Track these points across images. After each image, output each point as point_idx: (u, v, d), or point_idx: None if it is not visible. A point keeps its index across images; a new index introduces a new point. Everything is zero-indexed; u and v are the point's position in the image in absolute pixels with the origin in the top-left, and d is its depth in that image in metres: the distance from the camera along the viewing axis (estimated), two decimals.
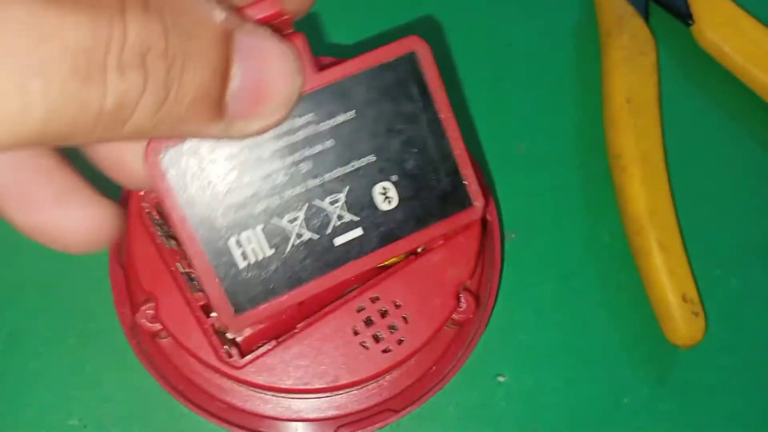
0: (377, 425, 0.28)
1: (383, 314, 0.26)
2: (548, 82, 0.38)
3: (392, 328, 0.26)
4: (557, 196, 0.36)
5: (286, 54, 0.19)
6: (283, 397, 0.27)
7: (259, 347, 0.25)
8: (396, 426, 0.31)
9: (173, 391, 0.28)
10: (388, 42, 0.23)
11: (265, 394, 0.27)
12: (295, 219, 0.23)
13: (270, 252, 0.23)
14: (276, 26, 0.20)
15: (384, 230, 0.23)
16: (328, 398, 0.27)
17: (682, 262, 0.34)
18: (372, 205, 0.23)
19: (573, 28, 0.39)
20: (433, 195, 0.24)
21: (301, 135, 0.22)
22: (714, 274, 0.35)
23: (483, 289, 0.29)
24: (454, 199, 0.24)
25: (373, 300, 0.26)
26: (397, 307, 0.26)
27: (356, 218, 0.23)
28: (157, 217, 0.27)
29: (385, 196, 0.23)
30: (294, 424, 0.28)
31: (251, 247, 0.23)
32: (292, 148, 0.22)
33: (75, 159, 0.20)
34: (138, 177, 0.21)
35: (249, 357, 0.25)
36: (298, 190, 0.23)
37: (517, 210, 0.35)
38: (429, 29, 0.38)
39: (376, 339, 0.26)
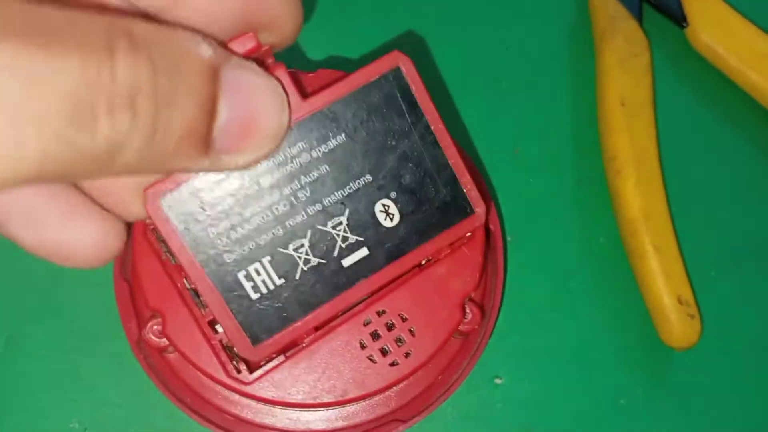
0: None
1: (390, 327, 0.26)
2: (543, 85, 0.38)
3: (399, 341, 0.26)
4: (553, 199, 0.36)
5: (272, 88, 0.19)
6: (291, 410, 0.27)
7: (268, 362, 0.25)
8: None
9: (181, 404, 0.28)
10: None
11: (274, 407, 0.27)
12: (301, 246, 0.23)
13: (280, 281, 0.23)
14: (256, 58, 0.21)
15: (389, 247, 0.24)
16: (336, 410, 0.27)
17: (677, 264, 0.34)
18: (375, 223, 0.23)
19: (567, 31, 0.39)
20: (434, 206, 0.24)
21: (296, 164, 0.22)
22: (709, 276, 0.35)
23: (487, 299, 0.29)
24: (455, 208, 0.24)
25: (380, 313, 0.26)
26: (404, 320, 0.26)
27: (361, 238, 0.23)
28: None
29: (387, 213, 0.23)
30: None
31: (261, 279, 0.23)
32: (289, 177, 0.22)
33: None
34: (135, 211, 0.22)
35: (258, 372, 0.25)
36: (300, 218, 0.23)
37: (513, 213, 0.35)
38: (424, 33, 0.38)
39: (383, 352, 0.26)
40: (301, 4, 0.21)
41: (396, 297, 0.26)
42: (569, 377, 0.34)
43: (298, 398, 0.25)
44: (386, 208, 0.23)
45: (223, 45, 0.20)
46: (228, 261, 0.22)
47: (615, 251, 0.35)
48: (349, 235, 0.23)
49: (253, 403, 0.27)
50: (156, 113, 0.16)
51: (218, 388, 0.27)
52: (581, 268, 0.35)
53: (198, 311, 0.26)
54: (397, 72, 0.23)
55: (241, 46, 0.20)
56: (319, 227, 0.23)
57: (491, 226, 0.30)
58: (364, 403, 0.27)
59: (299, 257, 0.23)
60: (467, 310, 0.26)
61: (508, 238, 0.35)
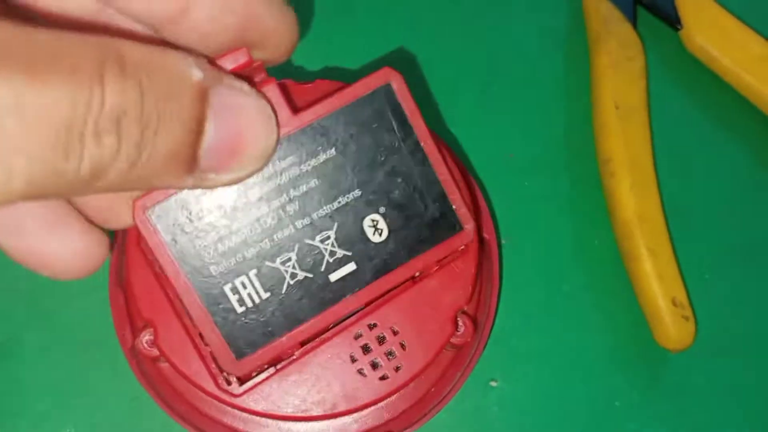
0: None
1: (381, 341, 0.25)
2: (537, 88, 0.37)
3: (390, 354, 0.25)
4: (547, 202, 0.36)
5: (261, 109, 0.19)
6: (282, 422, 0.26)
7: (258, 374, 0.25)
8: None
9: (173, 413, 0.27)
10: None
11: (264, 419, 0.26)
12: (288, 260, 0.23)
13: (266, 295, 0.23)
14: (248, 73, 0.21)
15: (377, 262, 0.23)
16: (326, 422, 0.26)
17: (672, 267, 0.33)
18: (363, 238, 0.23)
19: (561, 34, 0.38)
20: (423, 222, 0.24)
21: (285, 177, 0.22)
22: (703, 278, 0.35)
23: (481, 310, 0.28)
24: (444, 225, 0.24)
25: (371, 326, 0.25)
26: (395, 333, 0.25)
27: (348, 253, 0.23)
28: None
29: (375, 228, 0.23)
30: None
31: (247, 292, 0.23)
32: (278, 190, 0.22)
33: None
34: (124, 219, 0.22)
35: (247, 385, 0.25)
36: (288, 231, 0.23)
37: (507, 216, 0.35)
38: (418, 36, 0.38)
39: (374, 366, 0.25)
40: (297, 22, 0.21)
41: (387, 310, 0.25)
42: (564, 380, 0.34)
43: (287, 411, 0.25)
44: (375, 223, 0.23)
45: (215, 61, 0.20)
46: (214, 273, 0.22)
47: (609, 254, 0.35)
48: (336, 249, 0.23)
49: (243, 414, 0.26)
50: (142, 137, 0.16)
51: (208, 398, 0.26)
52: (576, 270, 0.35)
53: (190, 323, 0.25)
54: (387, 88, 0.23)
55: (233, 61, 0.20)
56: (307, 241, 0.23)
57: (486, 236, 0.30)
58: (355, 415, 0.26)
59: (286, 271, 0.23)
60: (460, 323, 0.26)
61: (503, 241, 0.35)
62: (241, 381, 0.25)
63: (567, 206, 0.36)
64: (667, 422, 0.33)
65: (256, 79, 0.21)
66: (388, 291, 0.24)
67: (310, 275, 0.23)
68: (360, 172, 0.23)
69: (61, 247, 0.21)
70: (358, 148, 0.23)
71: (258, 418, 0.26)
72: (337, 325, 0.25)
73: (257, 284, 0.23)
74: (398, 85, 0.23)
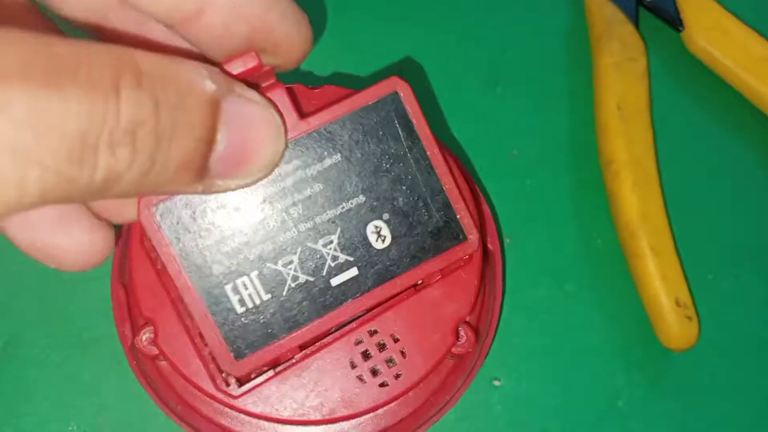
0: None
1: (381, 348, 0.25)
2: (539, 88, 0.37)
3: (390, 361, 0.25)
4: (550, 202, 0.36)
5: (270, 119, 0.20)
6: (280, 425, 0.26)
7: (257, 376, 0.25)
8: None
9: (171, 412, 0.27)
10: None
11: (262, 422, 0.26)
12: (290, 263, 0.23)
13: (267, 297, 0.23)
14: (256, 78, 0.21)
15: (379, 269, 0.23)
16: (324, 427, 0.26)
17: (675, 267, 0.33)
18: (365, 244, 0.23)
19: (563, 35, 0.38)
20: (426, 231, 0.24)
21: (290, 180, 0.22)
22: (706, 278, 0.35)
23: (483, 321, 0.28)
24: (447, 234, 0.24)
25: (372, 333, 0.25)
26: (396, 341, 0.25)
27: (350, 258, 0.23)
28: None
29: (378, 234, 0.23)
30: None
31: (248, 293, 0.22)
32: (282, 193, 0.22)
33: None
34: (128, 214, 0.22)
35: (246, 387, 0.25)
36: (291, 234, 0.23)
37: (510, 215, 0.35)
38: (422, 36, 0.38)
39: (374, 372, 0.25)
40: (312, 32, 0.21)
41: (389, 317, 0.25)
42: (567, 379, 0.33)
43: (285, 414, 0.25)
44: (378, 229, 0.23)
45: (226, 70, 0.20)
46: (216, 273, 0.22)
47: (612, 253, 0.35)
48: (339, 254, 0.23)
49: (241, 416, 0.26)
50: (156, 148, 0.16)
51: (206, 398, 0.26)
52: (579, 270, 0.35)
53: (190, 322, 0.25)
54: (395, 96, 0.23)
55: (243, 64, 0.20)
56: (310, 245, 0.23)
57: (490, 246, 0.30)
58: (353, 421, 0.26)
59: (288, 274, 0.23)
60: (461, 333, 0.26)
61: (506, 240, 0.35)
62: (240, 382, 0.25)
63: (569, 206, 0.36)
64: (670, 422, 0.33)
65: (265, 83, 0.21)
66: (390, 298, 0.24)
67: (312, 279, 0.23)
68: (365, 179, 0.23)
69: (68, 241, 0.21)
70: (363, 155, 0.23)
71: (255, 420, 0.26)
72: (337, 329, 0.25)
73: (258, 285, 0.23)
74: (405, 94, 0.23)
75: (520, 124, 0.37)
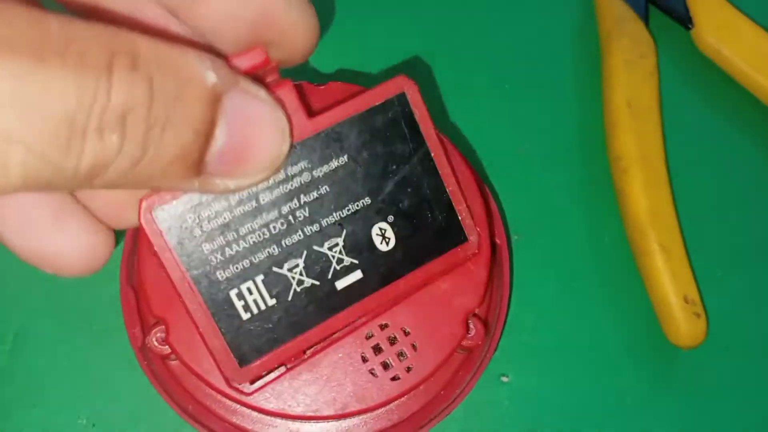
0: None
1: (392, 341, 0.25)
2: (549, 85, 0.37)
3: (401, 355, 0.25)
4: (558, 198, 0.35)
5: (275, 117, 0.19)
6: (291, 421, 0.26)
7: (269, 373, 0.24)
8: None
9: (182, 412, 0.27)
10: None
11: (274, 418, 0.26)
12: (296, 266, 0.22)
13: (272, 302, 0.22)
14: (263, 74, 0.20)
15: (384, 271, 0.23)
16: (336, 422, 0.26)
17: (684, 264, 0.33)
18: (370, 246, 0.23)
19: (573, 32, 0.38)
20: (429, 232, 0.23)
21: (296, 183, 0.22)
22: (715, 275, 0.34)
23: (492, 313, 0.28)
24: (449, 235, 0.24)
25: (382, 327, 0.25)
26: (406, 334, 0.25)
27: (356, 261, 0.23)
28: None
29: (383, 236, 0.23)
30: None
31: (253, 298, 0.22)
32: (288, 196, 0.22)
33: None
34: (129, 219, 0.21)
35: (258, 383, 0.24)
36: (297, 237, 0.22)
37: (518, 212, 0.35)
38: (431, 34, 0.38)
39: (385, 366, 0.25)
40: (317, 22, 0.21)
41: (399, 311, 0.25)
42: (575, 375, 0.33)
43: (298, 410, 0.25)
44: (383, 231, 0.23)
45: (232, 62, 0.19)
46: (220, 278, 0.22)
47: (621, 250, 0.35)
48: (344, 257, 0.23)
49: (253, 413, 0.26)
50: (146, 136, 0.15)
51: (219, 397, 0.26)
52: (587, 267, 0.35)
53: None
54: (401, 97, 0.23)
55: (249, 60, 0.19)
56: (315, 248, 0.22)
57: (497, 240, 0.30)
58: (365, 416, 0.26)
59: (293, 278, 0.22)
60: (471, 326, 0.26)
61: (514, 237, 0.35)
62: (252, 380, 0.25)
63: (578, 203, 0.36)
64: (678, 419, 0.33)
65: (271, 79, 0.21)
66: (394, 300, 0.24)
67: (317, 282, 0.23)
68: (371, 180, 0.23)
69: (66, 245, 0.20)
70: (370, 156, 0.22)
71: (268, 417, 0.26)
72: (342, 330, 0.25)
73: (263, 290, 0.22)
74: (412, 95, 0.23)
75: (528, 121, 0.37)
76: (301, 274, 0.22)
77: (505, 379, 0.33)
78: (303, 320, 0.22)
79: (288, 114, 0.19)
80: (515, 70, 0.37)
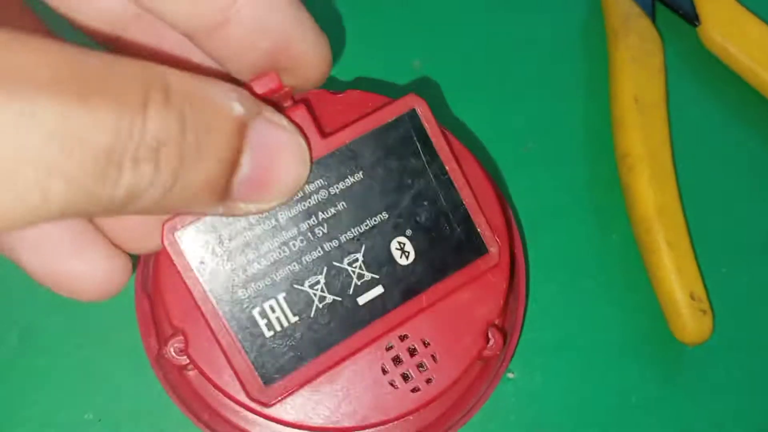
0: None
1: (412, 352, 0.24)
2: (556, 82, 0.37)
3: (421, 366, 0.25)
4: (565, 196, 0.35)
5: (296, 145, 0.19)
6: None
7: (294, 392, 0.24)
8: None
9: (199, 422, 0.27)
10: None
11: (294, 431, 0.25)
12: (317, 283, 0.22)
13: (294, 319, 0.22)
14: (277, 99, 0.21)
15: (405, 285, 0.23)
16: None
17: (690, 260, 0.33)
18: (390, 261, 0.23)
19: (580, 28, 0.38)
20: (449, 245, 0.24)
21: (313, 200, 0.22)
22: (722, 272, 0.34)
23: (508, 323, 0.28)
24: (469, 247, 0.24)
25: (402, 338, 0.24)
26: (426, 345, 0.25)
27: (376, 276, 0.23)
28: None
29: (402, 251, 0.23)
30: None
31: (275, 316, 0.22)
32: (306, 213, 0.22)
33: None
34: (150, 245, 0.21)
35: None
36: (317, 254, 0.22)
37: (524, 209, 0.35)
38: (439, 31, 0.38)
39: (405, 378, 0.25)
40: (330, 50, 0.21)
41: (419, 322, 0.24)
42: (581, 372, 0.33)
43: (318, 422, 0.24)
44: (402, 245, 0.23)
45: (255, 91, 0.20)
46: (242, 297, 0.22)
47: (627, 247, 0.34)
48: (364, 272, 0.23)
49: (272, 424, 0.25)
50: (179, 168, 0.16)
51: (237, 408, 0.25)
52: (593, 264, 0.34)
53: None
54: (412, 113, 0.23)
55: (263, 85, 0.20)
56: (336, 264, 0.23)
57: (514, 250, 0.30)
58: (384, 427, 0.25)
59: (314, 294, 0.23)
60: (490, 336, 0.25)
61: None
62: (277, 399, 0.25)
63: (585, 200, 0.35)
64: (684, 417, 0.33)
65: (285, 104, 0.21)
66: (416, 314, 0.24)
67: (339, 298, 0.23)
68: (387, 196, 0.23)
69: (84, 268, 0.21)
70: (385, 172, 0.23)
71: (288, 429, 0.25)
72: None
73: (286, 308, 0.22)
74: (423, 111, 0.23)
75: (535, 118, 0.36)
76: (322, 291, 0.23)
77: (510, 375, 0.33)
78: (326, 337, 0.23)
79: (307, 138, 0.20)
80: (522, 67, 0.37)
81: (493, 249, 0.24)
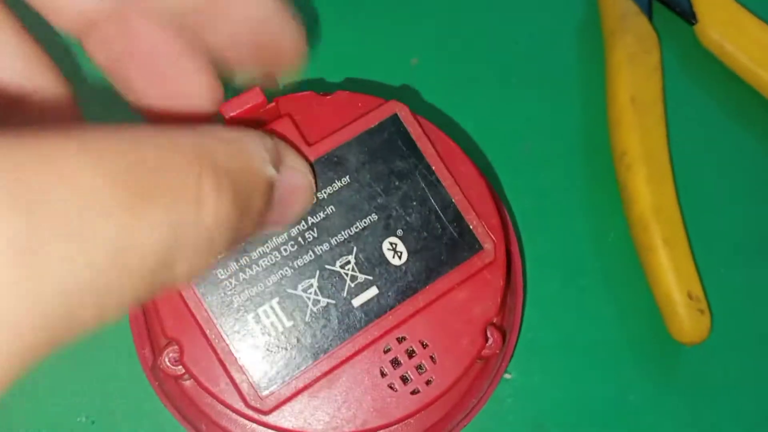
0: None
1: (410, 354, 0.24)
2: (552, 81, 0.37)
3: (420, 368, 0.24)
4: (562, 195, 0.35)
5: (309, 184, 0.21)
6: None
7: (292, 398, 0.24)
8: None
9: (196, 431, 0.26)
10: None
11: None
12: (310, 287, 0.23)
13: (289, 323, 0.22)
14: (263, 114, 0.22)
15: (399, 286, 0.23)
16: None
17: (688, 260, 0.33)
18: (383, 262, 0.23)
19: (577, 27, 0.38)
20: (442, 244, 0.24)
21: None
22: (719, 272, 0.34)
23: (507, 321, 0.27)
24: (462, 245, 0.24)
25: (400, 340, 0.24)
26: (424, 346, 0.24)
27: (369, 277, 0.23)
28: None
29: (394, 251, 0.23)
30: None
31: (270, 321, 0.22)
32: None
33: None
34: (67, 17, 0.20)
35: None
36: (308, 257, 0.23)
37: (521, 208, 0.34)
38: (434, 30, 0.37)
39: (404, 380, 0.24)
40: (304, 35, 0.21)
41: (416, 323, 0.24)
42: (578, 372, 0.33)
43: (318, 428, 0.24)
44: (393, 246, 0.23)
45: (276, 137, 0.20)
46: (236, 304, 0.22)
47: (624, 247, 0.34)
48: (357, 274, 0.23)
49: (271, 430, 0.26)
50: (229, 245, 0.16)
51: (235, 416, 0.25)
52: (591, 263, 0.34)
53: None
54: (395, 118, 0.24)
55: (247, 101, 0.21)
56: (328, 267, 0.23)
57: (510, 248, 0.29)
58: (384, 431, 0.25)
59: (308, 298, 0.23)
60: (488, 335, 0.25)
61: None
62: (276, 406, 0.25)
63: (582, 199, 0.35)
64: (682, 416, 0.33)
65: (270, 117, 0.22)
66: (413, 315, 0.24)
67: (333, 301, 0.23)
68: (375, 198, 0.23)
69: (195, 79, 0.20)
70: (372, 175, 0.23)
71: None
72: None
73: (280, 313, 0.22)
74: (405, 115, 0.24)
75: (532, 118, 0.36)
76: (316, 294, 0.23)
77: (507, 376, 0.33)
78: (323, 341, 0.23)
79: (295, 147, 0.21)
80: (519, 66, 0.37)
81: (487, 245, 0.24)
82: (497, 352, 0.25)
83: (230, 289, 0.22)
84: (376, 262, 0.23)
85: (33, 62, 0.18)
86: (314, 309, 0.23)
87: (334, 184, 0.23)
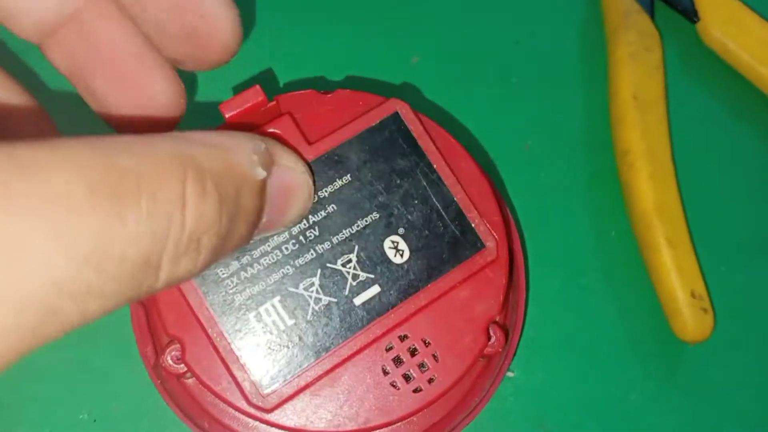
0: None
1: (413, 352, 0.24)
2: (554, 79, 0.36)
3: (422, 366, 0.24)
4: (564, 193, 0.35)
5: (305, 183, 0.20)
6: None
7: (294, 396, 0.24)
8: None
9: (198, 429, 0.26)
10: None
11: None
12: (311, 285, 0.22)
13: (291, 322, 0.22)
14: (262, 114, 0.22)
15: (401, 284, 0.23)
16: None
17: (691, 258, 0.33)
18: (385, 260, 0.23)
19: (579, 25, 0.38)
20: (444, 242, 0.23)
21: None
22: (722, 271, 0.34)
23: (509, 319, 0.27)
24: (465, 243, 0.24)
25: (402, 338, 0.24)
26: (427, 345, 0.24)
27: (371, 275, 0.23)
28: None
29: (396, 249, 0.23)
30: None
31: (272, 320, 0.22)
32: None
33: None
34: (26, 25, 0.20)
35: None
36: (309, 256, 0.22)
37: (523, 207, 0.34)
38: (435, 27, 0.37)
39: (407, 378, 0.24)
40: (240, 19, 0.21)
41: (418, 321, 0.24)
42: (581, 371, 0.33)
43: (320, 426, 0.24)
44: (395, 244, 0.23)
45: (267, 135, 0.20)
46: (238, 302, 0.22)
47: (627, 245, 0.34)
48: (359, 272, 0.23)
49: (273, 430, 0.25)
50: (218, 246, 0.16)
51: (237, 414, 0.25)
52: (593, 261, 0.34)
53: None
54: (395, 116, 0.24)
55: (248, 100, 0.21)
56: (329, 265, 0.23)
57: (512, 246, 0.29)
58: (386, 429, 0.25)
59: (310, 296, 0.22)
60: (491, 334, 0.25)
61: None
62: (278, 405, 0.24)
63: (584, 198, 0.35)
64: (684, 415, 0.32)
65: (270, 116, 0.22)
66: (415, 313, 0.23)
67: (334, 300, 0.23)
68: (377, 196, 0.23)
69: (159, 80, 0.21)
70: (373, 173, 0.23)
71: None
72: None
73: (282, 311, 0.22)
74: (406, 113, 0.24)
75: (534, 116, 0.36)
76: (317, 293, 0.23)
77: (510, 374, 0.33)
78: (324, 340, 0.23)
79: (294, 146, 0.21)
80: (521, 64, 0.37)
81: (489, 243, 0.24)
82: (500, 350, 0.25)
83: (232, 288, 0.22)
84: (377, 260, 0.23)
85: None
86: (316, 307, 0.23)
87: (335, 183, 0.23)
